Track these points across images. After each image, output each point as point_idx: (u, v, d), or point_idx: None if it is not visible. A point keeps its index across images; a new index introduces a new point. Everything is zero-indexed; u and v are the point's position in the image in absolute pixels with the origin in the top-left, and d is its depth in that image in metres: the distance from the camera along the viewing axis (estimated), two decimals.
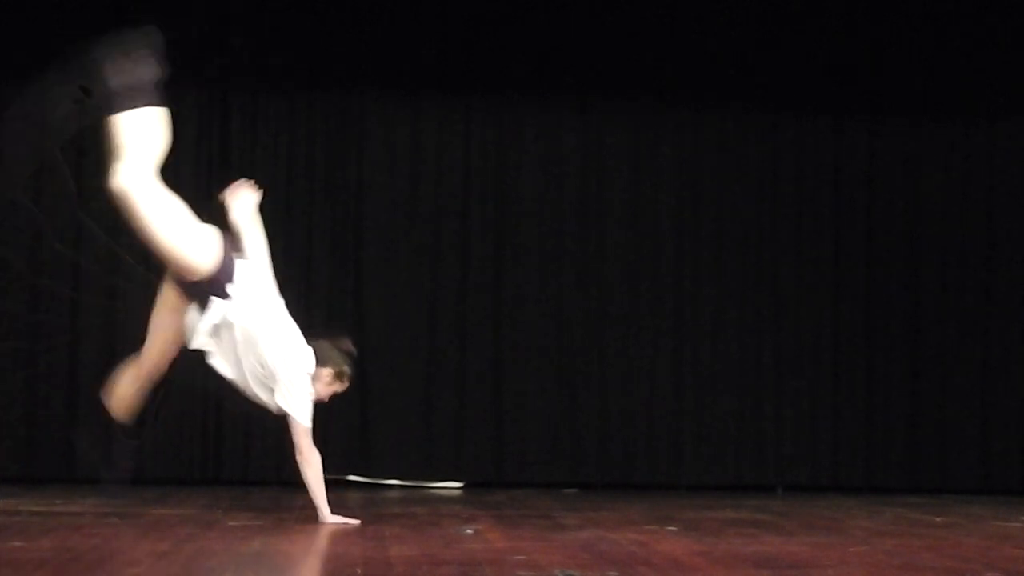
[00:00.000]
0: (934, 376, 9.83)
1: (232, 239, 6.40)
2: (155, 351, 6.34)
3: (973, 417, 9.81)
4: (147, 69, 5.84)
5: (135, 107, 5.82)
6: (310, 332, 6.61)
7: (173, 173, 9.45)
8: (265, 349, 6.30)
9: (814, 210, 9.88)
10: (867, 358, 9.83)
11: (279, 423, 9.37)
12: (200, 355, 9.41)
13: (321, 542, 5.70)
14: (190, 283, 6.14)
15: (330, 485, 9.25)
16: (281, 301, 6.53)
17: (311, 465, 6.60)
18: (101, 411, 6.46)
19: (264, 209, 9.59)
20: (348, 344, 6.64)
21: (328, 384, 6.56)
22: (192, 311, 6.23)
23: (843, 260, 9.87)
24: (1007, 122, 9.96)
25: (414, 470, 9.47)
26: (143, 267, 9.42)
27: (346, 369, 6.57)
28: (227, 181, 9.50)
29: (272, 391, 6.40)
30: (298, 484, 9.21)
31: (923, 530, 6.71)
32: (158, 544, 5.44)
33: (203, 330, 6.20)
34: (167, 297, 6.28)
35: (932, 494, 9.44)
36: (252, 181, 7.26)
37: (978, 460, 9.80)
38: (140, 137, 5.98)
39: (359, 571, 4.71)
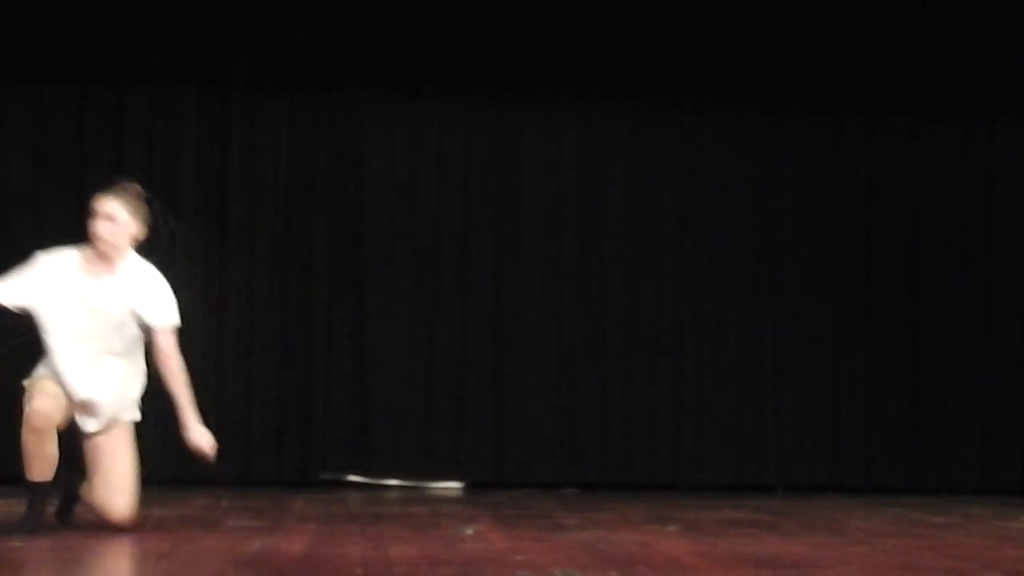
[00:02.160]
0: (934, 376, 9.83)
1: None
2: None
3: (973, 417, 9.81)
4: None
5: None
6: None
7: (173, 173, 9.55)
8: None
9: (814, 210, 9.88)
10: (867, 358, 9.82)
11: (278, 423, 9.44)
12: (194, 356, 9.46)
13: (321, 542, 5.70)
14: None
15: (330, 485, 9.32)
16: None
17: (182, 368, 6.10)
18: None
19: (264, 208, 9.66)
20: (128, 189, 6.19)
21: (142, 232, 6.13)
22: None
23: (843, 260, 9.86)
24: (1007, 122, 9.96)
25: (414, 470, 9.47)
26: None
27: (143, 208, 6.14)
28: (227, 181, 9.58)
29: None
30: (296, 483, 9.26)
31: (923, 530, 6.72)
32: (158, 544, 5.45)
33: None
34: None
35: (932, 494, 9.44)
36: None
37: (978, 460, 9.79)
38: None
39: (359, 571, 4.71)
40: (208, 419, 9.26)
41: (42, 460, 5.83)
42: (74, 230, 9.27)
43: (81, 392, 5.92)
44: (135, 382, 6.16)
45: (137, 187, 6.16)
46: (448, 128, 9.73)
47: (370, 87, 9.65)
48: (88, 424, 6.01)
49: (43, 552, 5.17)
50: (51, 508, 6.09)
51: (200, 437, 6.11)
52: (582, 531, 6.32)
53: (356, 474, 9.41)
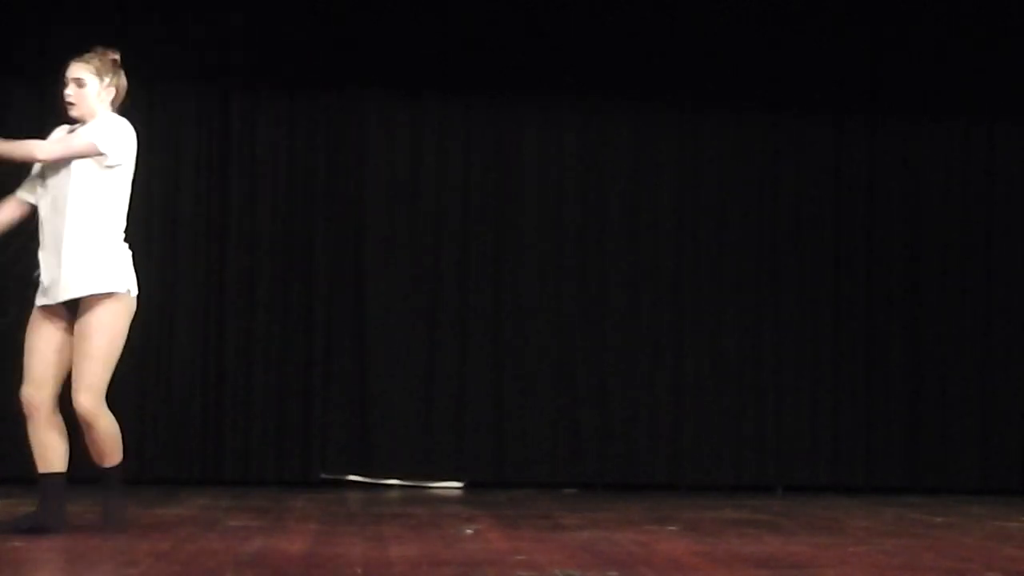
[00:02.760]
0: (934, 376, 9.83)
1: None
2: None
3: (973, 417, 9.81)
4: None
5: None
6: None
7: (173, 173, 9.55)
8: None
9: (814, 210, 9.88)
10: (867, 358, 9.82)
11: (278, 423, 9.43)
12: (194, 356, 9.46)
13: (321, 542, 5.70)
14: None
15: (330, 485, 9.32)
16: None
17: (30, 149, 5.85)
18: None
19: (264, 208, 9.66)
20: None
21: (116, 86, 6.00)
22: None
23: (843, 260, 9.86)
24: (1007, 122, 9.96)
25: (414, 470, 9.47)
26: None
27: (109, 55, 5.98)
28: (227, 181, 9.59)
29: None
30: (296, 483, 9.25)
31: (923, 530, 6.72)
32: (158, 544, 5.45)
33: None
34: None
35: (932, 494, 9.44)
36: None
37: (978, 460, 9.79)
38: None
39: (359, 571, 4.71)
40: (208, 419, 9.39)
41: (42, 449, 5.79)
42: None
43: (46, 274, 5.77)
44: (107, 247, 5.82)
45: (111, 52, 6.01)
46: (448, 128, 9.73)
47: (370, 87, 9.65)
48: (46, 297, 5.78)
49: (43, 552, 5.17)
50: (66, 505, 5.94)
51: None
52: (582, 531, 6.32)
53: (356, 474, 9.41)
